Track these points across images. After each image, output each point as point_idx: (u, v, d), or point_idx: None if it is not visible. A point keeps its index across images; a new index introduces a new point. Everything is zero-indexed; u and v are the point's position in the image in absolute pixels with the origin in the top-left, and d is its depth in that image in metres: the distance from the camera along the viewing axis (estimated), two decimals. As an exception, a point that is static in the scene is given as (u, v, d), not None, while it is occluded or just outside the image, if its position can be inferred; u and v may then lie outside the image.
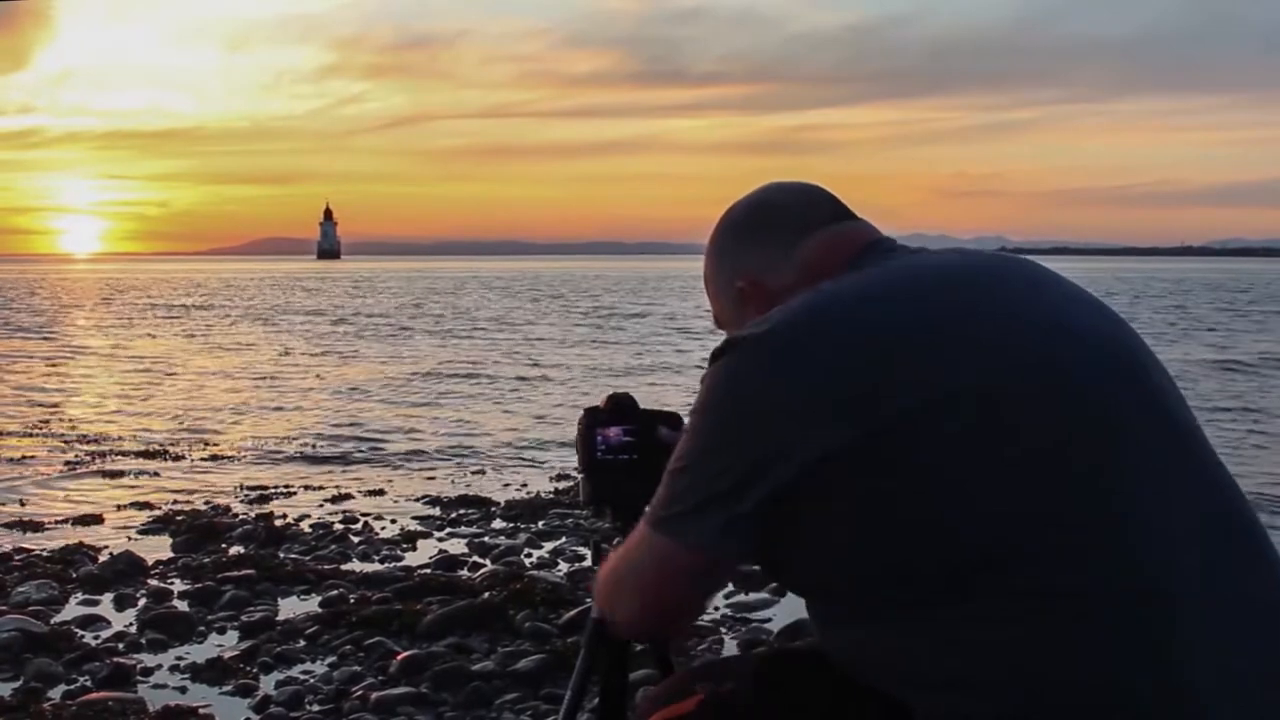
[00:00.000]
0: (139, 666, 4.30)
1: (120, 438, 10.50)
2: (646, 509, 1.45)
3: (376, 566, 5.85)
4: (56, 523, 6.87)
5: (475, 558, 6.05)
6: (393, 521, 6.94)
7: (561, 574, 5.61)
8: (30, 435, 10.73)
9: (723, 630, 4.80)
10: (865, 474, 1.29)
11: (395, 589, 5.23)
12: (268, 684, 4.15)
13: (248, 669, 4.28)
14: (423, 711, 3.89)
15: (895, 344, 1.33)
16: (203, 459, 9.42)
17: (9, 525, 6.79)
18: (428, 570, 5.70)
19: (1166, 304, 41.66)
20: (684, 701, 1.52)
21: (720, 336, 1.59)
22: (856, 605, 1.36)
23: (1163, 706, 1.23)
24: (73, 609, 5.06)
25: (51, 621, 4.80)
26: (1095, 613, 1.25)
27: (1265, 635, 1.30)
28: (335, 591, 5.26)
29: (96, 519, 6.97)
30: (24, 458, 9.35)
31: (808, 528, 1.34)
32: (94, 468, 8.90)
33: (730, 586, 5.31)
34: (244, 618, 4.87)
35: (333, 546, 6.23)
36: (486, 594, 5.05)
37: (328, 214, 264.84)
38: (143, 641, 4.58)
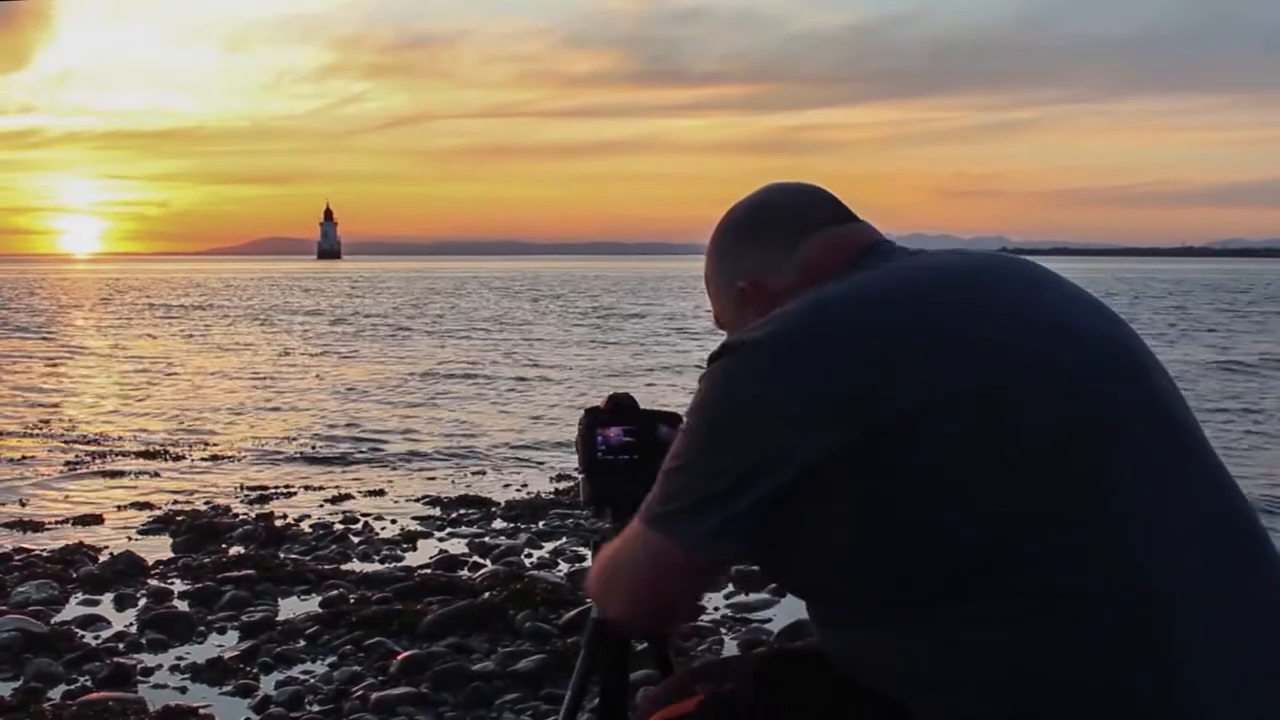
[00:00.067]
0: (139, 666, 4.30)
1: (120, 438, 10.50)
2: (641, 506, 1.45)
3: (377, 566, 5.85)
4: (56, 523, 6.87)
5: (475, 558, 6.05)
6: (393, 522, 6.94)
7: (562, 574, 5.61)
8: (30, 435, 10.73)
9: (723, 630, 4.80)
10: (865, 475, 1.29)
11: (395, 589, 5.23)
12: (268, 684, 4.15)
13: (248, 669, 4.28)
14: (423, 711, 3.89)
15: (895, 345, 1.33)
16: (203, 459, 9.42)
17: (9, 525, 6.79)
18: (428, 570, 5.70)
19: (1166, 304, 41.66)
20: (684, 701, 1.52)
21: (721, 336, 1.60)
22: (856, 606, 1.36)
23: (1163, 706, 1.23)
24: (73, 609, 5.06)
25: (52, 621, 4.80)
26: (1095, 613, 1.25)
27: (1265, 635, 1.30)
28: (335, 591, 5.26)
29: (96, 519, 6.97)
30: (24, 458, 9.35)
31: (807, 529, 1.35)
32: (94, 468, 8.90)
33: (730, 587, 5.32)
34: (244, 618, 4.87)
35: (333, 546, 6.23)
36: (487, 594, 5.05)
37: (328, 214, 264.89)
38: (143, 641, 4.58)
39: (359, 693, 4.01)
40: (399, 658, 4.30)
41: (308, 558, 5.98)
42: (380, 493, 7.96)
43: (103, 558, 5.88)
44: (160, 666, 4.33)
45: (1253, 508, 1.41)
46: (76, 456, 9.39)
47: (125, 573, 5.55)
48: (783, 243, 1.57)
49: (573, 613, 4.69)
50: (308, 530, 6.66)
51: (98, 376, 16.88)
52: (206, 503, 7.46)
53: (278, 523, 6.77)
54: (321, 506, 7.43)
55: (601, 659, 2.00)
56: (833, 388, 1.31)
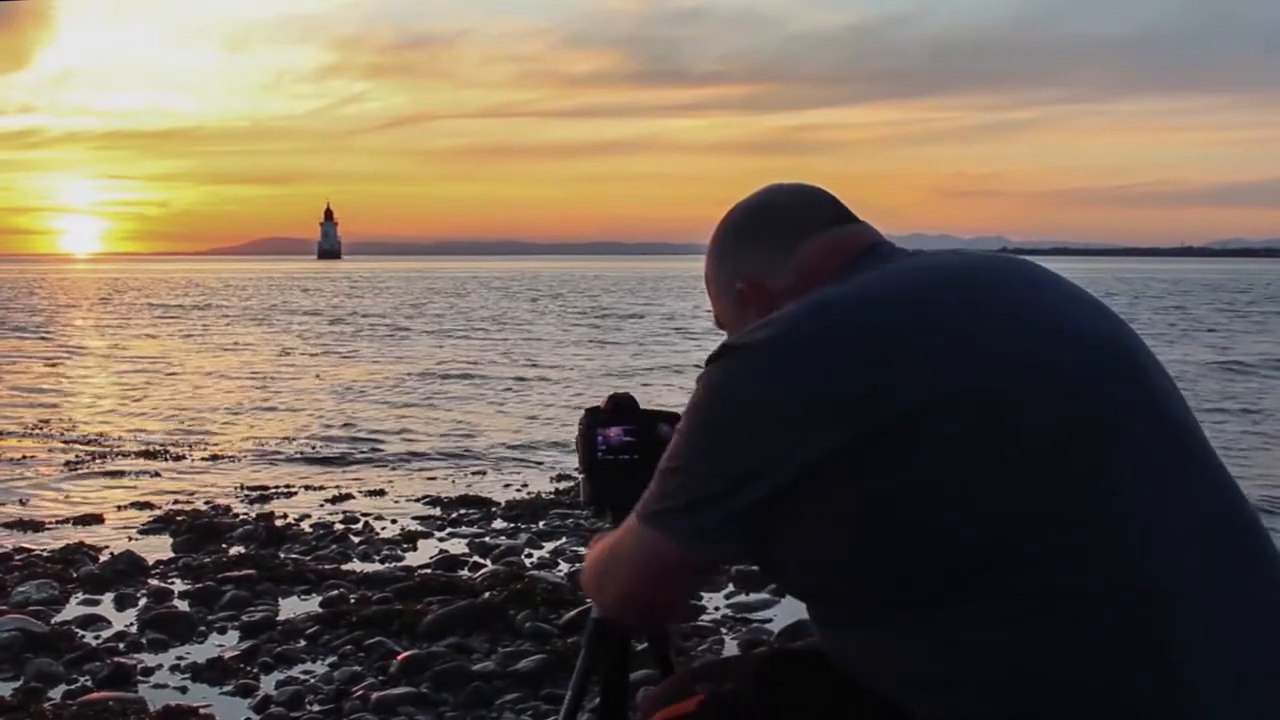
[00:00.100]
0: (139, 666, 4.30)
1: (120, 438, 10.50)
2: (638, 503, 1.46)
3: (377, 566, 5.85)
4: (57, 523, 6.87)
5: (476, 558, 6.05)
6: (393, 521, 6.94)
7: (562, 574, 5.60)
8: (30, 435, 10.73)
9: (723, 630, 4.80)
10: (865, 476, 1.30)
11: (396, 589, 5.23)
12: (268, 684, 4.15)
13: (248, 669, 4.28)
14: (423, 711, 3.89)
15: (894, 346, 1.33)
16: (203, 459, 9.42)
17: (9, 525, 6.78)
18: (428, 570, 5.70)
19: (1166, 304, 41.66)
20: (685, 701, 1.52)
21: (721, 336, 1.60)
22: (856, 606, 1.37)
23: (1163, 706, 1.24)
24: (73, 609, 5.06)
25: (52, 621, 4.80)
26: (1095, 613, 1.25)
27: (1265, 635, 1.30)
28: (336, 591, 5.26)
29: (97, 519, 6.97)
30: (24, 458, 9.34)
31: (807, 530, 1.35)
32: (94, 468, 8.90)
33: (730, 587, 5.32)
34: (244, 618, 4.87)
35: (333, 546, 6.23)
36: (487, 594, 5.05)
37: (328, 214, 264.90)
38: (143, 641, 4.58)
39: (359, 692, 4.01)
40: (399, 658, 4.30)
41: (308, 558, 5.98)
42: (380, 493, 7.96)
43: (103, 557, 5.88)
44: (161, 666, 4.33)
45: (1253, 507, 1.41)
46: (76, 456, 9.39)
47: (126, 572, 5.55)
48: (782, 244, 1.57)
49: (573, 613, 4.69)
50: (308, 530, 6.66)
51: (97, 376, 16.88)
52: (207, 502, 7.46)
53: (278, 523, 6.77)
54: (322, 506, 7.43)
55: (602, 659, 2.00)
56: (833, 388, 1.32)
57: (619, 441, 1.93)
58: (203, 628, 4.77)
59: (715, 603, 5.15)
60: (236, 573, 5.49)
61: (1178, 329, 27.85)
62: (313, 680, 4.17)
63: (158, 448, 9.81)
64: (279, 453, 9.74)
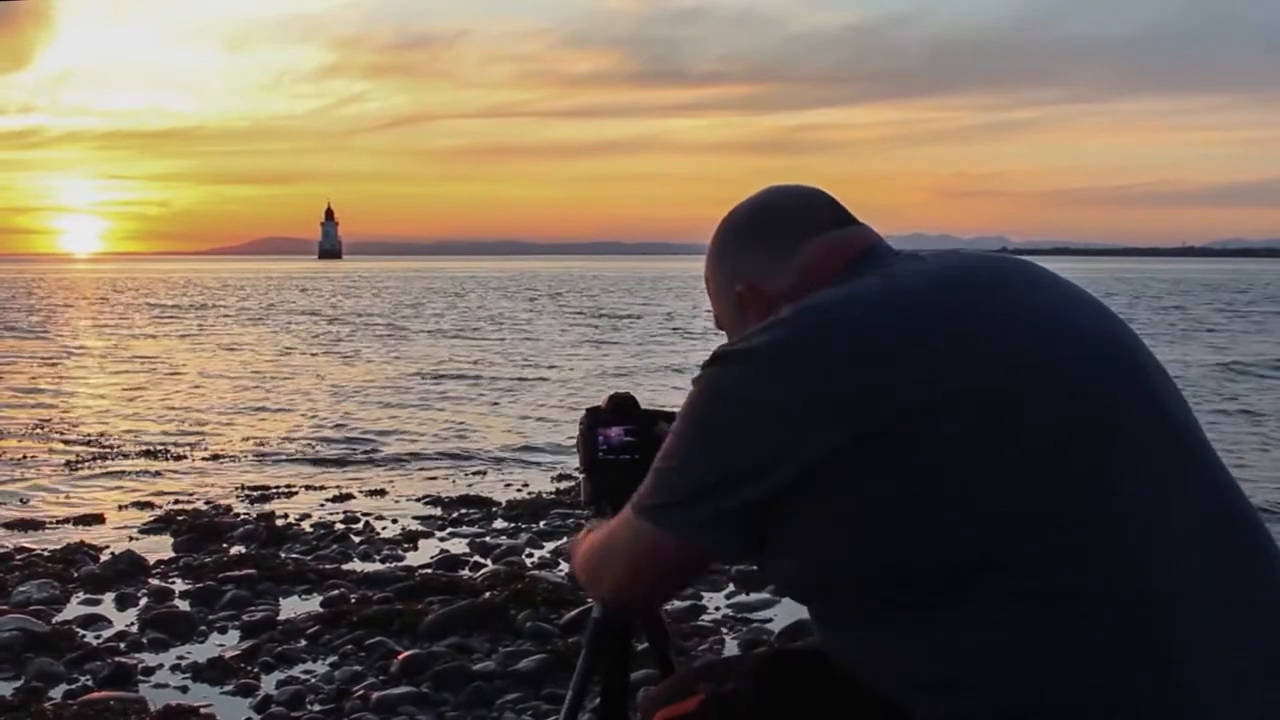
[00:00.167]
0: (140, 666, 4.31)
1: (120, 438, 10.50)
2: (633, 497, 1.46)
3: (378, 566, 5.85)
4: (57, 522, 6.87)
5: (476, 557, 6.05)
6: (394, 521, 6.94)
7: (563, 574, 5.61)
8: (30, 435, 10.73)
9: (724, 630, 4.80)
10: (865, 476, 1.30)
11: (396, 589, 5.23)
12: (269, 683, 4.15)
13: (249, 668, 4.29)
14: (424, 711, 3.90)
15: (894, 346, 1.34)
16: (203, 459, 9.42)
17: (9, 525, 6.79)
18: (429, 570, 5.70)
19: (1166, 304, 41.65)
20: (685, 701, 1.52)
21: (721, 337, 1.60)
22: (856, 606, 1.37)
23: (1163, 706, 1.24)
24: (74, 608, 5.06)
25: (53, 621, 4.81)
26: (1095, 613, 1.25)
27: (1265, 635, 1.31)
28: (336, 591, 5.26)
29: (97, 519, 6.98)
30: (24, 458, 9.35)
31: (807, 530, 1.35)
32: (94, 468, 8.90)
33: (731, 587, 5.32)
34: (245, 617, 4.88)
35: (334, 546, 6.23)
36: (488, 594, 5.05)
37: (329, 214, 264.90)
38: (144, 641, 4.58)
39: (360, 692, 4.01)
40: (400, 657, 4.30)
41: (309, 557, 5.98)
42: (381, 492, 7.96)
43: (104, 557, 5.89)
44: (161, 666, 4.33)
45: (1253, 507, 1.41)
46: (77, 456, 9.39)
47: (126, 572, 5.55)
48: (781, 246, 1.57)
49: (574, 612, 4.69)
50: (309, 530, 6.66)
51: (97, 376, 16.88)
52: (207, 502, 7.47)
53: (279, 522, 6.78)
54: (322, 506, 7.43)
55: (603, 659, 2.00)
56: (832, 388, 1.32)
57: (620, 441, 1.93)
58: (203, 627, 4.78)
59: (715, 603, 5.16)
60: (237, 572, 5.50)
61: (1177, 329, 27.85)
62: (313, 680, 4.17)
63: (158, 448, 9.82)
64: (279, 453, 9.74)
